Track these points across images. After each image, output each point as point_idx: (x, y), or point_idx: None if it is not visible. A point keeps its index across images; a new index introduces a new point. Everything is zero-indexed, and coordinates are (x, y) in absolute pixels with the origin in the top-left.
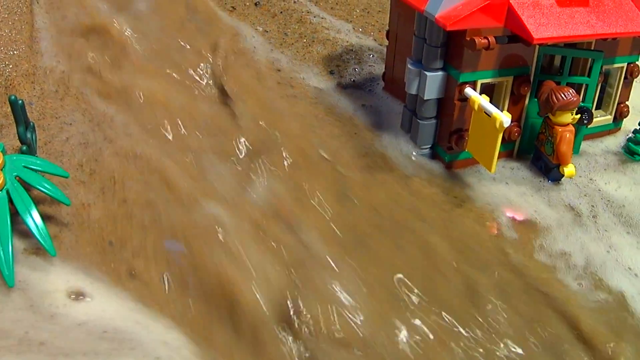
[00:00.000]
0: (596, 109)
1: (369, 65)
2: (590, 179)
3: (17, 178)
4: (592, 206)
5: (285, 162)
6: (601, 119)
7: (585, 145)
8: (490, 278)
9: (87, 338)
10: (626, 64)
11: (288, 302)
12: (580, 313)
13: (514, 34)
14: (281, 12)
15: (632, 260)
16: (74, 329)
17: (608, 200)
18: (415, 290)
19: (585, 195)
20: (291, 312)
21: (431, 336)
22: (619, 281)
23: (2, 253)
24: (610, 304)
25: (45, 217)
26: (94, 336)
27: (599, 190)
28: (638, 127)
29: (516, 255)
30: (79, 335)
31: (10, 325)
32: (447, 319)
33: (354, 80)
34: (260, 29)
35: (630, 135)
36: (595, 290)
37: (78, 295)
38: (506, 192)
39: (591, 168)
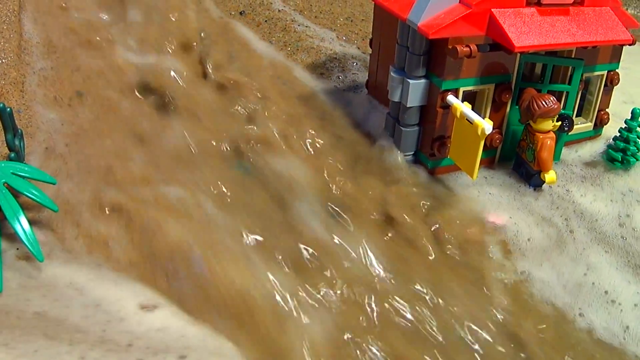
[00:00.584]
0: (577, 116)
1: (353, 73)
2: (567, 190)
3: (5, 185)
4: (566, 219)
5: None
6: (582, 126)
7: (565, 151)
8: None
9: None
10: (606, 71)
11: None
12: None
13: (496, 42)
14: (266, 21)
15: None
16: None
17: (581, 213)
18: None
19: (557, 208)
20: None
21: None
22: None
23: None
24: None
25: (33, 223)
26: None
27: (573, 202)
28: (618, 134)
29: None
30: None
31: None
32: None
33: (337, 87)
34: None
35: (611, 142)
36: None
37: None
38: (487, 198)
39: (567, 179)
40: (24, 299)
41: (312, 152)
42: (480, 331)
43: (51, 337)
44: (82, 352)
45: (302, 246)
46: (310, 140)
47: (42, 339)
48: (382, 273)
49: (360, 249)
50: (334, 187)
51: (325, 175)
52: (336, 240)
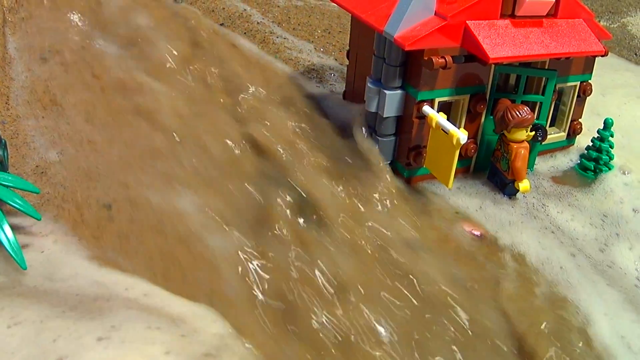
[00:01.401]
0: (550, 126)
1: (330, 84)
2: (543, 204)
3: None
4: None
5: None
6: (555, 135)
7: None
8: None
9: None
10: (579, 82)
11: None
12: None
13: (471, 54)
14: (245, 33)
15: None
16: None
17: (559, 227)
18: None
19: (534, 218)
20: None
21: None
22: None
23: None
24: None
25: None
26: None
27: (548, 214)
28: (591, 144)
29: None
30: None
31: None
32: None
33: (315, 97)
34: None
35: (584, 152)
36: None
37: None
38: (462, 207)
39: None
40: None
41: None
42: None
43: None
44: None
45: None
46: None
47: None
48: None
49: None
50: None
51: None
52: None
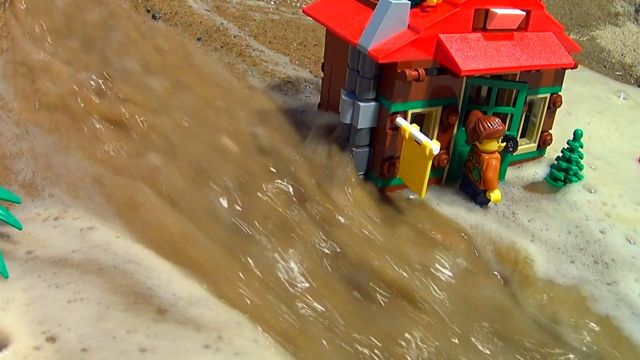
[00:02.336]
0: (521, 137)
1: (306, 96)
2: (514, 213)
3: None
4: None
5: None
6: (526, 146)
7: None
8: None
9: None
10: (549, 94)
11: None
12: None
13: (443, 67)
14: (222, 47)
15: None
16: None
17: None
18: None
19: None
20: None
21: None
22: None
23: None
24: None
25: None
26: None
27: (519, 224)
28: (561, 155)
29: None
30: None
31: None
32: None
33: (290, 108)
34: None
35: (554, 162)
36: None
37: None
38: (435, 215)
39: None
40: None
41: None
42: None
43: None
44: None
45: None
46: None
47: None
48: None
49: None
50: None
51: None
52: None
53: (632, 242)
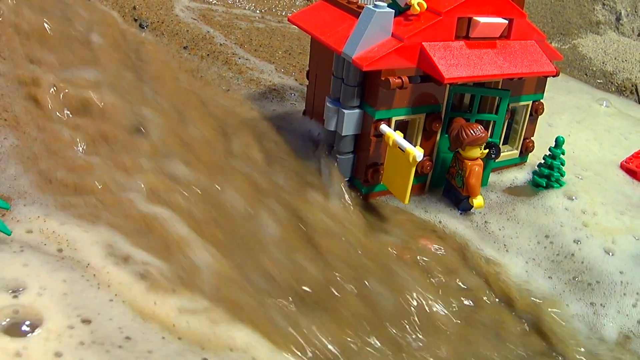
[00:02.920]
0: (503, 144)
1: (291, 103)
2: (486, 222)
3: None
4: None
5: None
6: (508, 153)
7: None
8: None
9: None
10: (531, 102)
11: None
12: None
13: (426, 74)
14: (208, 55)
15: None
16: None
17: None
18: None
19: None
20: None
21: None
22: None
23: None
24: None
25: None
26: None
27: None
28: (542, 161)
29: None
30: None
31: None
32: None
33: (276, 116)
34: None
35: (536, 168)
36: None
37: None
38: (419, 221)
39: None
40: None
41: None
42: None
43: None
44: None
45: None
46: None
47: None
48: None
49: None
50: None
51: None
52: None
53: (610, 253)
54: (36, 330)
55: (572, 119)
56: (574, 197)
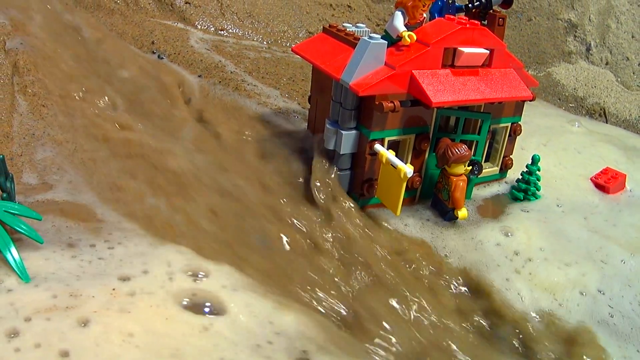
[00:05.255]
0: (485, 161)
1: (294, 125)
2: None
3: None
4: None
5: None
6: (489, 170)
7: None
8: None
9: None
10: (510, 123)
11: None
12: None
13: (416, 99)
14: (220, 82)
15: None
16: None
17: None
18: None
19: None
20: None
21: None
22: None
23: None
24: None
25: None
26: None
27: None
28: (520, 177)
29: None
30: None
31: None
32: None
33: (280, 137)
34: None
35: (515, 183)
36: None
37: None
38: (409, 230)
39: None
40: None
41: None
42: None
43: None
44: None
45: None
46: None
47: None
48: None
49: None
50: None
51: None
52: None
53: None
54: None
55: (540, 140)
56: (509, 234)
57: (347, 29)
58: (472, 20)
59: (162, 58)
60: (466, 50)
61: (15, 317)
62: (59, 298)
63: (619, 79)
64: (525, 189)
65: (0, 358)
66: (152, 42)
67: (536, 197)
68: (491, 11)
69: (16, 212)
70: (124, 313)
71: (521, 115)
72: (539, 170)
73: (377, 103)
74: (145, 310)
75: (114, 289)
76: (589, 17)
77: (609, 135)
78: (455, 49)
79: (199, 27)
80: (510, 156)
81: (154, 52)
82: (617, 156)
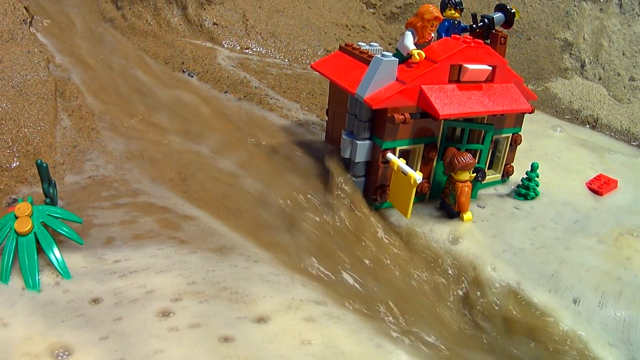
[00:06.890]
0: (488, 169)
1: (313, 135)
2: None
3: (42, 223)
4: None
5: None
6: (492, 176)
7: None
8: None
9: None
10: (511, 134)
11: None
12: None
13: (425, 111)
14: (245, 96)
15: None
16: None
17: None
18: None
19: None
20: None
21: None
22: None
23: (30, 280)
24: None
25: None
26: None
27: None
28: (520, 183)
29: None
30: None
31: None
32: None
33: (300, 146)
34: None
35: (515, 188)
36: None
37: None
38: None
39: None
40: None
41: None
42: None
43: None
44: None
45: None
46: None
47: None
48: None
49: None
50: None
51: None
52: None
53: None
54: None
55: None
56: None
57: (362, 48)
58: (476, 40)
59: (192, 76)
60: (471, 66)
61: None
62: None
63: (610, 93)
64: (524, 194)
65: None
66: (182, 62)
67: (536, 193)
68: (494, 31)
69: (59, 215)
70: None
71: (521, 126)
72: (537, 176)
73: (389, 115)
74: None
75: None
76: (584, 36)
77: (587, 140)
78: (460, 66)
79: (226, 46)
80: (512, 164)
81: (184, 71)
82: (592, 158)
